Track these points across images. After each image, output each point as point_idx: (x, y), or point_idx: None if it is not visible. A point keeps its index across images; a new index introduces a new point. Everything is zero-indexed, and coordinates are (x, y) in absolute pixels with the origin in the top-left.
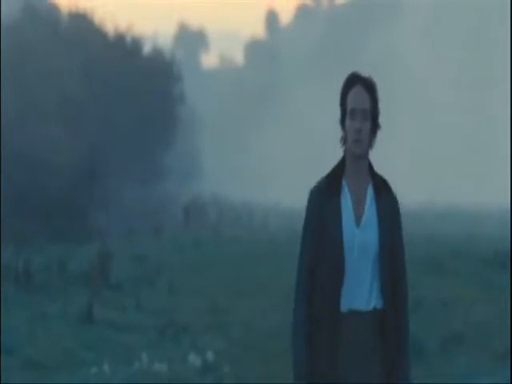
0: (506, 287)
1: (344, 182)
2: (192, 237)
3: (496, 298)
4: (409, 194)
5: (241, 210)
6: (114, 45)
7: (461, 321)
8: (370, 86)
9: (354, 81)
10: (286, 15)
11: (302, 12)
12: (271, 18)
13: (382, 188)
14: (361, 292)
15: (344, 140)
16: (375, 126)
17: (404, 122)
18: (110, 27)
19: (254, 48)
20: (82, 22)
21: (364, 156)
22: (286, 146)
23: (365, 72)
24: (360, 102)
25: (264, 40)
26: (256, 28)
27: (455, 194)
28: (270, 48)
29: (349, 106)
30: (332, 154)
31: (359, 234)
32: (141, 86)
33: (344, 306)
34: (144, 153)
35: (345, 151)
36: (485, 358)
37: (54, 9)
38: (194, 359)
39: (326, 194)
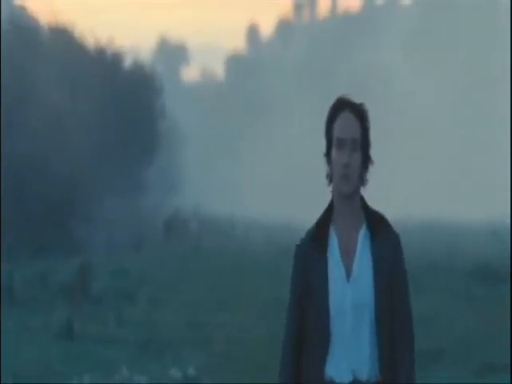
0: (487, 301)
1: (332, 228)
2: (173, 250)
3: (477, 312)
4: (387, 208)
5: (222, 223)
6: (95, 59)
7: (441, 336)
8: (360, 113)
9: (342, 106)
10: (267, 29)
11: (283, 26)
12: (252, 31)
13: (378, 227)
14: (360, 360)
15: (330, 177)
16: (366, 159)
17: (386, 135)
18: (90, 41)
19: (235, 61)
20: (62, 36)
21: (354, 194)
22: (267, 159)
23: (346, 84)
24: (349, 131)
25: (245, 53)
26: (237, 41)
27: (434, 207)
28: (251, 61)
29: (335, 135)
30: (315, 167)
31: (351, 290)
32: (122, 100)
33: (344, 377)
34: (125, 166)
35: (332, 190)
36: (465, 373)
37: (35, 23)
38: (175, 373)
39: (310, 245)
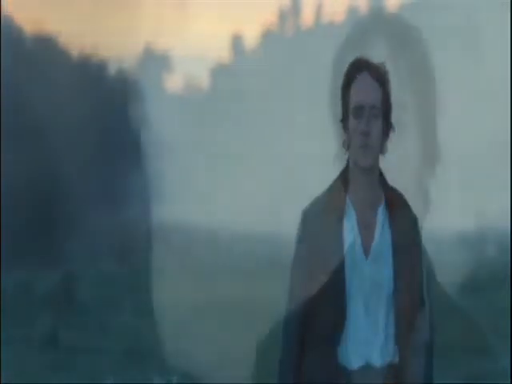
0: (476, 311)
1: (348, 200)
2: (157, 261)
3: (463, 321)
4: None
5: (205, 235)
6: (78, 67)
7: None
8: (381, 76)
9: (360, 68)
10: (251, 39)
11: (267, 36)
12: (236, 41)
13: (398, 205)
14: (374, 342)
15: (347, 145)
16: (387, 126)
17: None
18: (74, 50)
19: (219, 72)
20: (46, 44)
21: (373, 167)
22: (252, 170)
23: (332, 93)
24: (368, 96)
25: (229, 64)
26: (221, 52)
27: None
28: (235, 72)
29: (353, 101)
30: (302, 179)
31: (369, 268)
32: (105, 110)
33: (354, 362)
34: (109, 176)
35: (348, 159)
36: (452, 381)
37: (18, 31)
38: (159, 382)
39: (323, 215)
